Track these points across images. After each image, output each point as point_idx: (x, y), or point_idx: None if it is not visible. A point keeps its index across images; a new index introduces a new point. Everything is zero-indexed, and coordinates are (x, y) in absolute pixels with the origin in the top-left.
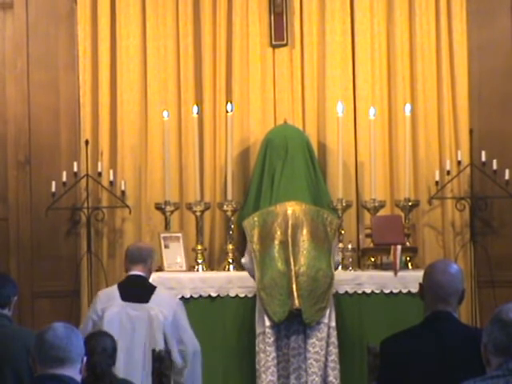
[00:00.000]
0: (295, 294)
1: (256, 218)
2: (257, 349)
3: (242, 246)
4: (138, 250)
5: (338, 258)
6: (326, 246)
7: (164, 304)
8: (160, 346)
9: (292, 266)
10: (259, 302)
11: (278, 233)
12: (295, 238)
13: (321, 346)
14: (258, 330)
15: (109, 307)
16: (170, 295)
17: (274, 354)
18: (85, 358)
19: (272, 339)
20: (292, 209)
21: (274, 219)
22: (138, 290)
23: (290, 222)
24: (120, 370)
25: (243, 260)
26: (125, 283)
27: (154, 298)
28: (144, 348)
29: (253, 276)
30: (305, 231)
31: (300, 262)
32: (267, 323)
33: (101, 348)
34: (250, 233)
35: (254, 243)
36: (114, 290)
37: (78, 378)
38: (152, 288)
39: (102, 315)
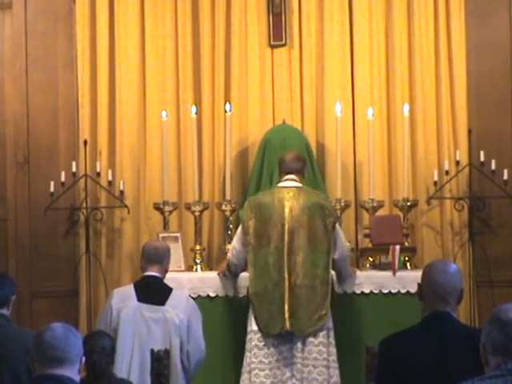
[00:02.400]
0: (286, 314)
1: (253, 210)
2: (246, 346)
3: None
4: (155, 249)
5: (348, 244)
6: (326, 245)
7: (180, 307)
8: (176, 349)
9: (286, 276)
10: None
11: (275, 236)
12: (292, 243)
13: (319, 352)
14: (249, 328)
15: (124, 307)
16: (186, 298)
17: (260, 359)
18: (83, 358)
19: (261, 343)
20: (289, 206)
21: (271, 214)
22: (154, 292)
23: (286, 226)
24: (135, 371)
25: (232, 245)
26: (141, 284)
27: (170, 300)
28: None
29: (235, 266)
30: (302, 234)
31: (296, 271)
32: (254, 327)
33: (99, 347)
34: (246, 223)
35: (249, 235)
36: (129, 289)
37: (77, 378)
38: (168, 290)
39: (117, 315)
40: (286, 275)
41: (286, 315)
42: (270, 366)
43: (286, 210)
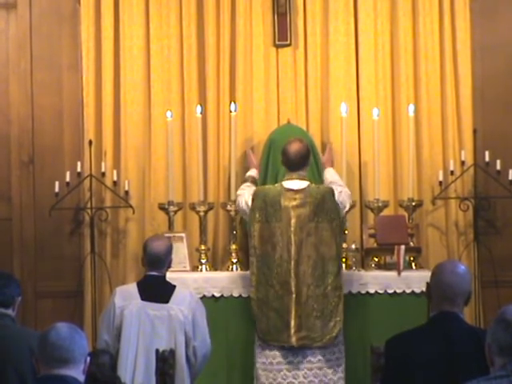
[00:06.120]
0: (292, 329)
1: (259, 212)
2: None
3: (245, 246)
4: (157, 254)
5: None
6: (334, 249)
7: (184, 303)
8: (181, 346)
9: (293, 290)
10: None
11: (280, 246)
12: (299, 255)
13: (339, 351)
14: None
15: (128, 306)
16: (190, 294)
17: (262, 360)
18: (88, 359)
19: (263, 345)
20: (296, 215)
21: (277, 221)
22: (157, 290)
23: (293, 238)
24: (140, 370)
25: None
26: (144, 283)
27: (173, 297)
28: (165, 347)
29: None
30: (309, 243)
31: (306, 283)
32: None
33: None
34: (251, 226)
35: (253, 238)
36: (133, 288)
37: (81, 378)
38: (171, 287)
39: (120, 313)
40: (294, 289)
41: (292, 331)
42: (271, 367)
43: (293, 221)
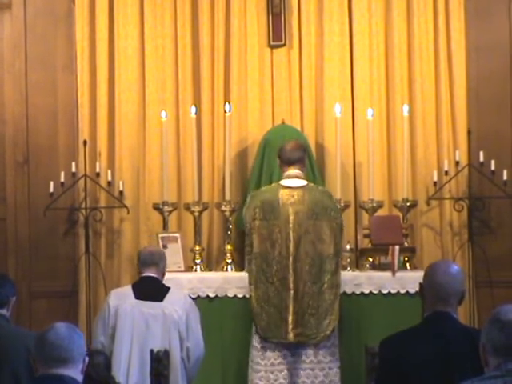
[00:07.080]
0: (290, 326)
1: (257, 211)
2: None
3: (240, 247)
4: (150, 253)
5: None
6: (332, 248)
7: (178, 303)
8: (175, 344)
9: (291, 286)
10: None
11: (279, 243)
12: (298, 251)
13: (331, 353)
14: (253, 327)
15: (122, 304)
16: (184, 295)
17: (257, 360)
18: (86, 358)
19: (259, 345)
20: (294, 212)
21: (275, 219)
22: (152, 290)
23: (291, 235)
24: (135, 369)
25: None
26: (139, 283)
27: (168, 297)
28: (159, 346)
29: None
30: (308, 240)
31: (303, 279)
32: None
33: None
34: (249, 224)
35: (252, 236)
36: (127, 289)
37: (80, 378)
38: (166, 288)
39: (115, 313)
40: (292, 285)
41: (290, 327)
42: (265, 368)
43: (291, 218)
